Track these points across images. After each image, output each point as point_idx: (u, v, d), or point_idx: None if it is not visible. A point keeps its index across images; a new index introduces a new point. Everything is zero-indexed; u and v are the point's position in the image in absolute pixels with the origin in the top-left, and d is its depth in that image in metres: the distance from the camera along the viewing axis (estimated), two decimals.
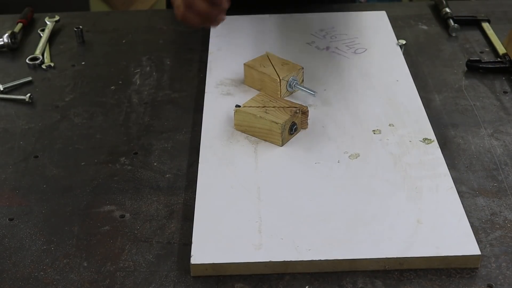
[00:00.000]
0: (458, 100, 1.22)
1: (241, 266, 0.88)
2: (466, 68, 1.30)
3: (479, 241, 0.91)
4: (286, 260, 0.88)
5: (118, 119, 1.19)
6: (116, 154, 1.10)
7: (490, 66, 1.29)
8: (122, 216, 0.98)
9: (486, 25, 1.43)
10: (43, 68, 1.34)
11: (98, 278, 0.89)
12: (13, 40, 1.40)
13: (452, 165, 1.05)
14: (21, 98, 1.24)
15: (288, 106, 1.09)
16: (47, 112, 1.22)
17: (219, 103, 1.17)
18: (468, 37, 1.41)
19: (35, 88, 1.28)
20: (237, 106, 1.11)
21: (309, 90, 1.17)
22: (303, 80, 1.21)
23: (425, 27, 1.46)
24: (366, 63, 1.28)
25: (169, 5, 1.65)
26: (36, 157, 1.11)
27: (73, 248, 0.93)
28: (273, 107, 1.09)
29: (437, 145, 1.06)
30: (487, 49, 1.37)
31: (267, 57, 1.22)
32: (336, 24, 1.41)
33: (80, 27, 1.44)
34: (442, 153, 1.05)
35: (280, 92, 1.17)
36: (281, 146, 1.07)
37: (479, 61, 1.30)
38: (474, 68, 1.30)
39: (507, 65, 1.29)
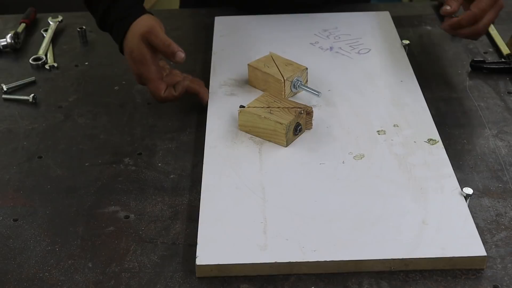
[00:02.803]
0: (462, 101, 1.22)
1: (246, 267, 0.88)
2: (470, 69, 1.30)
3: (484, 242, 0.91)
4: (291, 261, 0.87)
5: (122, 120, 1.19)
6: (120, 155, 1.10)
7: (494, 66, 1.29)
8: (127, 217, 0.98)
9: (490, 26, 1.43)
10: (47, 69, 1.34)
11: (103, 279, 0.88)
12: (16, 40, 1.40)
13: (457, 165, 1.05)
14: (25, 99, 1.24)
15: (292, 106, 1.09)
16: (50, 112, 1.21)
17: (223, 104, 1.17)
18: None
19: (38, 89, 1.28)
20: (241, 106, 1.11)
21: (313, 90, 1.17)
22: (307, 81, 1.20)
23: (429, 28, 1.45)
24: (370, 63, 1.28)
25: (182, 5, 1.66)
26: (40, 157, 1.10)
27: (78, 249, 0.93)
28: (278, 107, 1.09)
29: (442, 146, 1.06)
30: (491, 50, 1.37)
31: (271, 57, 1.22)
32: (340, 24, 1.41)
33: (83, 27, 1.44)
34: (447, 153, 1.05)
35: (284, 92, 1.17)
36: (286, 146, 1.07)
37: (483, 61, 1.30)
38: (478, 69, 1.29)
39: (511, 66, 1.29)
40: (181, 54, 1.10)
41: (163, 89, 1.14)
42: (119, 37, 1.14)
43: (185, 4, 1.66)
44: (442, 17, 1.48)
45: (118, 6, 1.15)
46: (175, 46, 1.10)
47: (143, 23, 1.12)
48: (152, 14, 1.16)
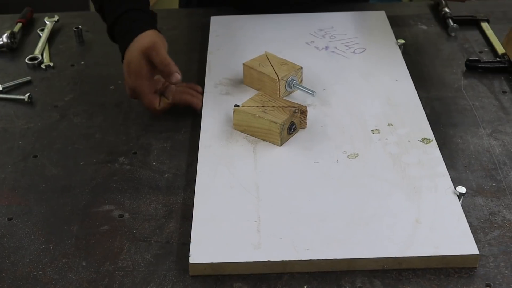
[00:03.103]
0: (457, 100, 1.22)
1: (240, 266, 0.88)
2: (465, 68, 1.30)
3: (477, 241, 0.91)
4: (284, 259, 0.88)
5: (117, 119, 1.19)
6: (115, 154, 1.11)
7: (489, 66, 1.29)
8: (121, 216, 0.98)
9: (485, 25, 1.43)
10: (43, 68, 1.34)
11: (97, 278, 0.89)
12: (12, 40, 1.40)
13: (451, 164, 1.05)
14: (21, 98, 1.24)
15: (287, 105, 1.09)
16: (46, 112, 1.22)
17: (218, 103, 1.17)
18: (467, 37, 1.41)
19: (34, 88, 1.29)
20: (236, 106, 1.11)
21: (308, 89, 1.17)
22: (302, 80, 1.21)
23: (424, 27, 1.46)
24: (365, 62, 1.28)
25: (181, 4, 1.66)
26: (35, 156, 1.11)
27: (72, 248, 0.93)
28: (272, 106, 1.09)
29: (436, 145, 1.06)
30: (486, 49, 1.37)
31: (266, 57, 1.22)
32: (335, 23, 1.41)
33: (80, 27, 1.44)
34: (441, 152, 1.05)
35: (279, 92, 1.17)
36: (280, 145, 1.07)
37: (478, 61, 1.30)
38: (473, 68, 1.30)
39: (506, 65, 1.29)
40: (177, 76, 1.11)
41: (157, 102, 1.15)
42: (123, 49, 1.15)
43: (185, 3, 1.66)
44: (437, 17, 1.49)
45: (126, 18, 1.16)
46: (173, 67, 1.11)
47: (147, 38, 1.13)
48: (159, 31, 1.17)
